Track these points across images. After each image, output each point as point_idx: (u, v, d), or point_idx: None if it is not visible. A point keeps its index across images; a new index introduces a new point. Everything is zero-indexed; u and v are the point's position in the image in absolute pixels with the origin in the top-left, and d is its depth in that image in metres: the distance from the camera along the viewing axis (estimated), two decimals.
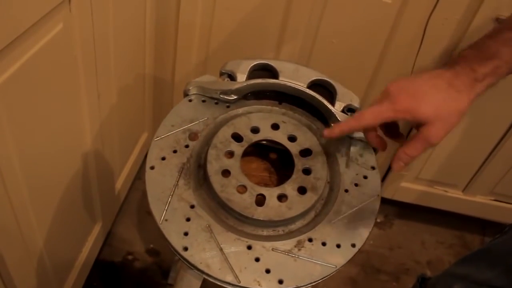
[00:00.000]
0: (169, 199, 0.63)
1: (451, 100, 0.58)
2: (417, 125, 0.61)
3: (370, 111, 0.61)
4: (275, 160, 0.76)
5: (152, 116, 1.40)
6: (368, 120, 0.62)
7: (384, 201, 1.51)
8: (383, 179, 1.45)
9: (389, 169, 1.43)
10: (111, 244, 1.33)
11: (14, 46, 0.60)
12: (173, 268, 1.26)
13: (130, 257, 1.33)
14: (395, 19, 1.10)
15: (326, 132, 0.65)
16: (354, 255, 0.62)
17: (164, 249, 1.36)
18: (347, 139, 0.72)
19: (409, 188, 1.46)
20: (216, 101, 0.74)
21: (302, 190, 0.65)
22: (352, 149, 0.71)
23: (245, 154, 0.69)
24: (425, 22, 1.10)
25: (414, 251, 1.54)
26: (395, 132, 0.67)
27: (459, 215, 1.51)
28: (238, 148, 0.67)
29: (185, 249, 0.59)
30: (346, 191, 0.67)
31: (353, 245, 0.62)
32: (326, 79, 0.74)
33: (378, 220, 1.60)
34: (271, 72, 0.76)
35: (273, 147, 0.74)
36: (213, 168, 0.65)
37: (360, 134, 0.72)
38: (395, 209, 1.60)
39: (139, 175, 1.49)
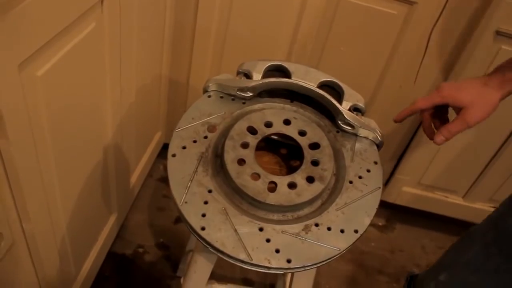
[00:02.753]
0: (189, 184, 0.69)
1: (485, 94, 0.75)
2: (458, 110, 0.77)
3: (423, 98, 0.80)
4: (285, 155, 0.82)
5: (166, 116, 1.47)
6: (421, 103, 0.80)
7: (387, 205, 1.57)
8: (386, 183, 1.51)
9: (392, 174, 1.49)
10: (123, 237, 1.38)
11: (54, 41, 0.67)
12: (183, 260, 1.31)
13: (141, 250, 1.38)
14: (400, 29, 1.17)
15: (396, 116, 0.84)
16: (356, 240, 0.67)
17: (173, 243, 1.42)
18: (353, 136, 0.78)
19: (410, 192, 1.52)
20: (233, 97, 0.80)
21: (310, 180, 0.70)
22: (357, 145, 0.77)
23: (258, 148, 0.75)
24: (429, 32, 1.16)
25: (414, 254, 1.59)
26: (444, 117, 0.83)
27: (459, 221, 1.56)
28: (252, 140, 0.73)
29: (203, 228, 0.65)
30: (351, 182, 0.72)
31: (356, 231, 0.68)
32: (334, 80, 0.81)
33: (380, 224, 1.65)
34: (284, 72, 0.82)
35: (283, 142, 0.80)
36: (230, 157, 0.71)
37: (365, 133, 0.78)
38: (397, 214, 1.65)
39: (151, 172, 1.56)
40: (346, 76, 1.11)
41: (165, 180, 1.58)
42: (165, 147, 1.52)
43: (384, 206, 1.56)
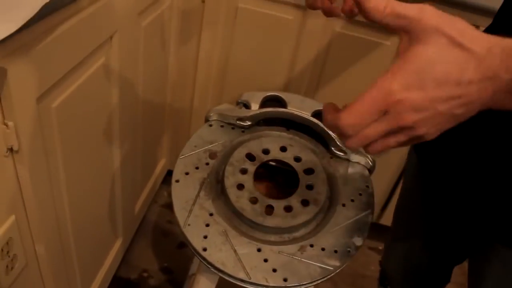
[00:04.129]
0: (192, 207, 0.73)
1: None
2: None
3: None
4: (282, 181, 0.86)
5: (170, 144, 1.52)
6: None
7: (386, 229, 1.60)
8: (384, 207, 1.55)
9: (389, 198, 1.53)
10: (129, 262, 1.42)
11: (69, 75, 0.73)
12: (186, 284, 1.34)
13: (145, 274, 1.42)
14: (393, 59, 1.23)
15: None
16: (349, 259, 0.71)
17: (177, 268, 1.45)
18: (345, 162, 0.83)
19: None
20: (233, 126, 0.85)
21: (305, 203, 0.75)
22: (350, 170, 0.82)
23: (257, 175, 0.80)
24: None
25: None
26: None
27: None
28: (251, 166, 0.78)
29: (204, 249, 0.69)
30: (343, 205, 0.77)
31: (348, 251, 0.72)
32: None
33: (380, 248, 1.68)
34: (281, 102, 0.87)
35: (280, 168, 0.85)
36: (230, 182, 0.76)
37: (357, 158, 0.83)
38: None
39: (156, 198, 1.60)
40: (342, 103, 1.17)
41: (169, 206, 1.63)
42: (169, 173, 1.58)
43: (383, 229, 1.60)
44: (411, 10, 0.39)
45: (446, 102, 0.39)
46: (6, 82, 0.57)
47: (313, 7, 0.60)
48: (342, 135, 0.42)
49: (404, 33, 0.40)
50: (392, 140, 0.42)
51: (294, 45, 1.26)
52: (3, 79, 0.56)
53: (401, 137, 0.42)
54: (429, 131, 0.41)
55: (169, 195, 1.64)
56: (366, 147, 0.43)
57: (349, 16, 0.56)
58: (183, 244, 1.51)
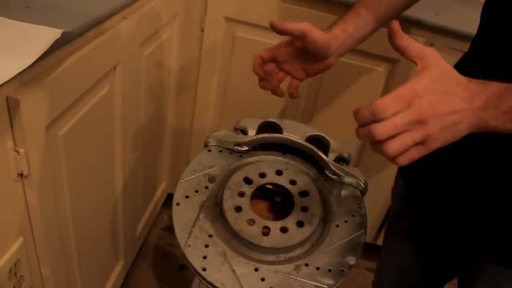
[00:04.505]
0: (192, 229, 0.77)
1: None
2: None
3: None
4: (279, 203, 0.90)
5: (170, 168, 1.56)
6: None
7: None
8: (380, 228, 1.58)
9: (385, 219, 1.56)
10: (130, 284, 1.44)
11: (75, 104, 0.77)
12: None
13: None
14: (385, 84, 1.28)
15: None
16: (343, 278, 0.75)
17: None
18: (339, 184, 0.87)
19: None
20: (231, 151, 0.89)
21: (300, 224, 0.78)
22: (343, 192, 0.85)
23: (254, 197, 0.83)
24: None
25: None
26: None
27: None
28: (248, 189, 0.82)
29: (204, 269, 0.72)
30: (337, 226, 0.80)
31: (342, 270, 0.75)
32: (321, 134, 0.90)
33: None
34: (277, 128, 0.91)
35: (277, 190, 0.88)
36: (228, 205, 0.79)
37: (350, 181, 0.87)
38: None
39: (156, 222, 1.63)
40: (337, 128, 1.21)
41: (169, 228, 1.66)
42: (170, 196, 1.61)
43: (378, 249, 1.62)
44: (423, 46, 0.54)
45: (446, 105, 0.50)
46: (19, 112, 0.61)
47: (263, 87, 0.82)
48: (374, 121, 0.51)
49: (419, 59, 0.53)
50: (408, 138, 0.50)
51: None
52: (16, 109, 0.60)
53: (416, 135, 0.50)
54: (437, 133, 0.51)
55: (170, 218, 1.67)
56: (388, 147, 0.51)
57: (291, 97, 0.81)
58: (183, 266, 1.53)
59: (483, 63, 0.69)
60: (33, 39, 0.61)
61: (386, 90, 1.28)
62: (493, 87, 0.51)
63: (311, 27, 0.74)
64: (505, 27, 0.64)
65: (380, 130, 0.50)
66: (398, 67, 1.24)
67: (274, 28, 0.76)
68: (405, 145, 0.50)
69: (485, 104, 0.51)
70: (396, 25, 0.56)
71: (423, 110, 0.50)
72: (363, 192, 0.86)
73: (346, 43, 0.78)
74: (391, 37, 0.57)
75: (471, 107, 0.51)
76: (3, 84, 0.53)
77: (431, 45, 1.21)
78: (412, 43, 0.55)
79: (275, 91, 0.82)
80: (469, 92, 0.51)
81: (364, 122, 0.52)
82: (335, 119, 1.35)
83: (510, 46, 0.63)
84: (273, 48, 0.81)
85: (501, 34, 0.65)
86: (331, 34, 0.77)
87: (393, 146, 0.50)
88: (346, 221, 0.81)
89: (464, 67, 0.75)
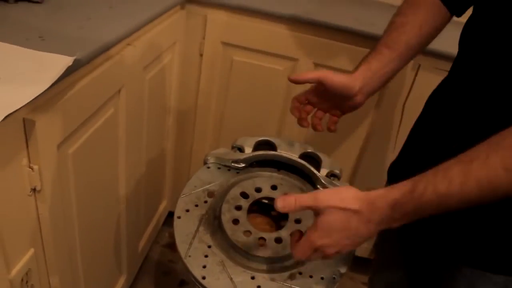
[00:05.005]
0: (192, 240, 0.82)
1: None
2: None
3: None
4: (275, 217, 0.95)
5: (171, 188, 1.61)
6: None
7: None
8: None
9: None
10: None
11: (83, 125, 0.83)
12: None
13: None
14: (375, 106, 1.34)
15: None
16: (335, 285, 0.79)
17: None
18: None
19: None
20: (228, 168, 0.95)
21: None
22: None
23: (253, 211, 0.88)
24: (402, 106, 1.33)
25: None
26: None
27: None
28: (245, 203, 0.87)
29: (203, 278, 0.77)
30: None
31: (334, 278, 0.80)
32: (313, 151, 0.96)
33: None
34: (271, 146, 0.97)
35: (273, 205, 0.93)
36: (226, 217, 0.84)
37: None
38: None
39: (158, 239, 1.68)
40: (333, 144, 1.27)
41: (170, 246, 1.70)
42: (170, 214, 1.66)
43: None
44: (309, 200, 0.66)
45: (346, 238, 0.65)
46: (34, 131, 0.67)
47: (301, 125, 0.89)
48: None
49: (313, 208, 0.66)
50: (329, 258, 0.70)
51: (285, 93, 1.37)
52: (31, 130, 0.66)
53: (333, 255, 0.68)
54: (348, 250, 0.68)
55: (170, 235, 1.72)
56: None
57: (315, 130, 0.89)
58: (184, 282, 1.57)
59: (462, 85, 0.76)
60: (47, 66, 0.67)
61: (377, 113, 1.34)
62: (382, 203, 0.61)
63: (327, 73, 0.81)
64: (480, 52, 0.71)
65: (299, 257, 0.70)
66: (388, 87, 1.30)
67: (292, 82, 0.84)
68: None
69: (380, 221, 0.62)
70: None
71: (326, 251, 0.66)
72: None
73: (371, 82, 0.83)
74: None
75: (367, 230, 0.64)
76: (20, 108, 0.59)
77: (419, 67, 1.28)
78: (299, 198, 0.67)
79: (315, 127, 0.90)
80: (363, 219, 0.63)
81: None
82: (329, 136, 1.40)
83: (485, 70, 0.69)
84: (306, 91, 0.88)
85: (477, 59, 0.72)
86: (353, 75, 0.82)
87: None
88: None
89: (446, 88, 0.82)
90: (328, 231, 0.65)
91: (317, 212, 0.66)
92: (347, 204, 0.63)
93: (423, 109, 0.89)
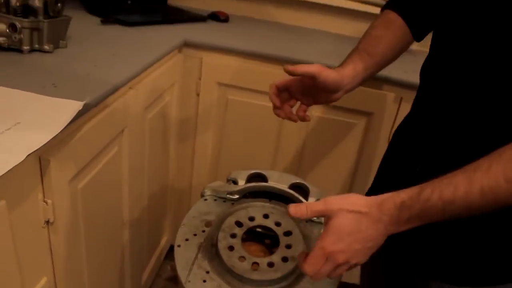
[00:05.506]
0: (191, 267, 0.89)
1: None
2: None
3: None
4: (269, 244, 1.02)
5: (172, 223, 1.68)
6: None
7: None
8: None
9: None
10: None
11: (91, 162, 0.91)
12: None
13: None
14: (362, 136, 1.42)
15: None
16: None
17: None
18: (318, 224, 1.00)
19: None
20: (224, 199, 1.03)
21: (285, 259, 0.90)
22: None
23: (247, 239, 0.95)
24: (388, 135, 1.41)
25: None
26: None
27: None
28: (239, 231, 0.95)
29: None
30: None
31: None
32: (302, 182, 1.04)
33: None
34: (263, 178, 1.05)
35: (265, 233, 1.01)
36: (222, 245, 0.92)
37: None
38: None
39: (160, 272, 1.73)
40: (324, 175, 1.35)
41: (172, 279, 1.75)
42: (172, 248, 1.71)
43: None
44: (320, 205, 0.67)
45: (357, 243, 0.65)
46: (48, 169, 0.75)
47: (278, 114, 0.90)
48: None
49: (323, 213, 0.68)
50: (339, 271, 0.69)
51: (278, 129, 1.46)
52: (46, 167, 0.75)
53: (343, 267, 0.68)
54: (358, 260, 0.67)
55: (172, 269, 1.77)
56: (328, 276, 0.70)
57: (303, 120, 0.89)
58: None
59: (422, 114, 0.85)
60: (61, 111, 0.76)
61: (364, 143, 1.43)
62: (390, 204, 0.64)
63: (322, 69, 0.82)
64: (437, 84, 0.79)
65: (315, 278, 0.70)
66: (374, 119, 1.39)
67: (288, 73, 0.84)
68: (339, 274, 0.70)
69: (389, 221, 0.64)
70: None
71: (338, 259, 0.66)
72: None
73: (353, 81, 0.86)
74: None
75: (377, 232, 0.65)
76: (37, 150, 0.68)
77: (401, 99, 1.37)
78: (310, 205, 0.68)
79: (290, 117, 0.89)
80: (372, 219, 0.65)
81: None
82: (321, 168, 1.49)
83: (443, 100, 0.77)
84: (287, 79, 0.88)
85: (435, 91, 0.80)
86: (342, 72, 0.84)
87: (330, 276, 0.70)
88: None
89: (409, 118, 0.91)
90: (340, 234, 0.65)
91: (328, 217, 0.67)
92: (357, 207, 0.65)
93: (391, 140, 0.97)
